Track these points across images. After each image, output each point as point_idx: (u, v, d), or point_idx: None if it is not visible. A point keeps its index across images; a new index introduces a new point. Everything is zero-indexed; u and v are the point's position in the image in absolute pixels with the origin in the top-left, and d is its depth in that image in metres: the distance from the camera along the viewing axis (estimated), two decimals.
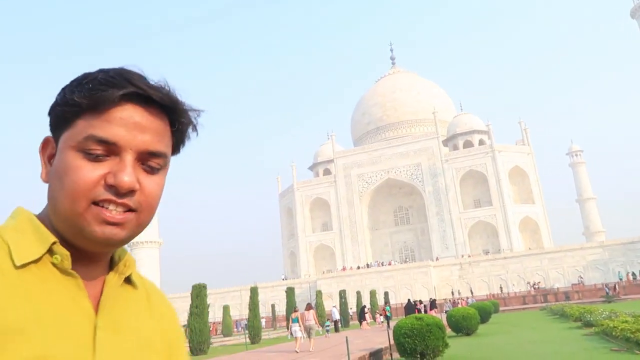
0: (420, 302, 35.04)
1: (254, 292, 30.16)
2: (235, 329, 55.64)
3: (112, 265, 0.85)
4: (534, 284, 62.48)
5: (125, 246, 0.76)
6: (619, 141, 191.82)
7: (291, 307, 35.07)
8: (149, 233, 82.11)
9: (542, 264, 65.58)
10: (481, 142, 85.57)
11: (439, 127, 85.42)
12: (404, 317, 18.31)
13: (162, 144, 0.82)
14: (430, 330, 12.42)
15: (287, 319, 33.92)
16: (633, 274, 58.18)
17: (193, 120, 0.87)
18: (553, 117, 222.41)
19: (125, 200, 0.77)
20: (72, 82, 0.81)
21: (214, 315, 59.09)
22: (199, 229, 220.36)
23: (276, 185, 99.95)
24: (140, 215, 0.79)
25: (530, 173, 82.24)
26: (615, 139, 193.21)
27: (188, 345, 23.91)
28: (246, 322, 32.21)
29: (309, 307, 20.76)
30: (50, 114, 0.82)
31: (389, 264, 72.96)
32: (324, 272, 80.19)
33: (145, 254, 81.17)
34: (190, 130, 0.87)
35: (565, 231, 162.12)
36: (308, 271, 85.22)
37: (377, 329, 30.81)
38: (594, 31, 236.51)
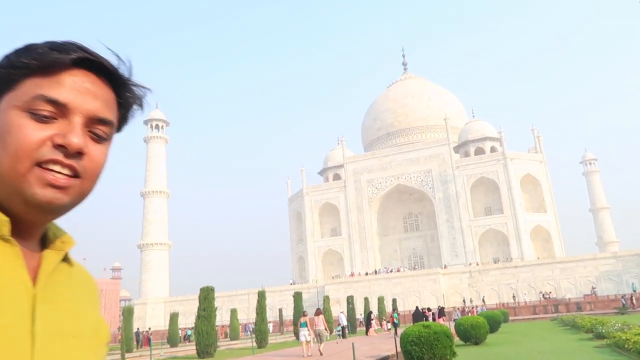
0: (429, 309, 34.75)
1: (261, 296, 30.18)
2: (244, 333, 55.68)
3: (47, 243, 0.82)
4: (545, 294, 61.65)
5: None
6: (635, 149, 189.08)
7: (299, 311, 35.01)
8: (159, 235, 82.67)
9: (554, 274, 64.67)
10: (493, 150, 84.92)
11: (450, 134, 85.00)
12: (411, 324, 18.15)
13: (111, 113, 0.82)
14: (438, 339, 12.29)
15: (295, 324, 33.87)
16: None
17: (138, 95, 0.86)
18: (567, 124, 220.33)
19: (73, 162, 0.75)
20: (17, 49, 0.80)
21: (222, 318, 59.14)
22: (208, 231, 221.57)
23: (286, 189, 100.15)
24: (84, 182, 0.77)
25: (543, 181, 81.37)
26: (632, 147, 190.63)
27: (195, 348, 23.96)
28: (254, 326, 32.22)
29: (318, 312, 20.65)
30: None
31: (398, 271, 72.50)
32: (332, 278, 79.97)
33: (155, 256, 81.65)
34: (135, 107, 0.87)
35: (578, 241, 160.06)
36: (316, 276, 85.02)
37: (384, 336, 30.60)
38: (609, 29, 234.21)
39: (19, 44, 0.78)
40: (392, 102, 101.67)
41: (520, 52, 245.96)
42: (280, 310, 58.32)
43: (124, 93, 0.84)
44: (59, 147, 0.74)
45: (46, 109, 0.75)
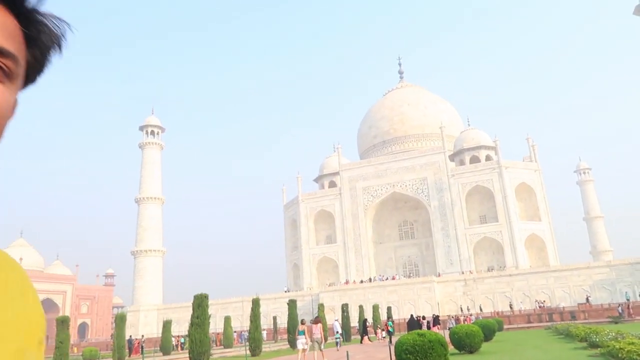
0: (424, 317, 34.68)
1: (255, 303, 30.03)
2: (238, 341, 55.31)
3: None
4: (540, 303, 61.70)
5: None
6: (630, 159, 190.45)
7: (293, 319, 34.84)
8: (153, 241, 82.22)
9: (548, 282, 64.80)
10: (488, 158, 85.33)
11: (446, 142, 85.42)
12: (406, 332, 18.09)
13: (12, 44, 0.65)
14: (432, 347, 12.26)
15: (289, 332, 33.69)
16: None
17: (56, 34, 0.69)
18: (562, 129, 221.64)
19: None
20: None
21: (215, 326, 58.76)
22: (202, 238, 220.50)
23: (281, 196, 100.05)
24: None
25: (537, 190, 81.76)
26: (626, 157, 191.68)
27: (188, 355, 23.76)
28: (248, 334, 32.03)
29: (317, 320, 20.58)
30: None
31: (393, 279, 72.40)
32: (327, 285, 79.68)
33: (148, 263, 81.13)
34: (52, 49, 0.70)
35: (572, 249, 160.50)
36: (311, 284, 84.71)
37: (378, 344, 30.48)
38: (598, 31, 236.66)
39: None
40: (388, 110, 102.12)
41: (520, 52, 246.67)
42: (275, 318, 57.98)
43: (32, 25, 0.68)
44: None
45: None
